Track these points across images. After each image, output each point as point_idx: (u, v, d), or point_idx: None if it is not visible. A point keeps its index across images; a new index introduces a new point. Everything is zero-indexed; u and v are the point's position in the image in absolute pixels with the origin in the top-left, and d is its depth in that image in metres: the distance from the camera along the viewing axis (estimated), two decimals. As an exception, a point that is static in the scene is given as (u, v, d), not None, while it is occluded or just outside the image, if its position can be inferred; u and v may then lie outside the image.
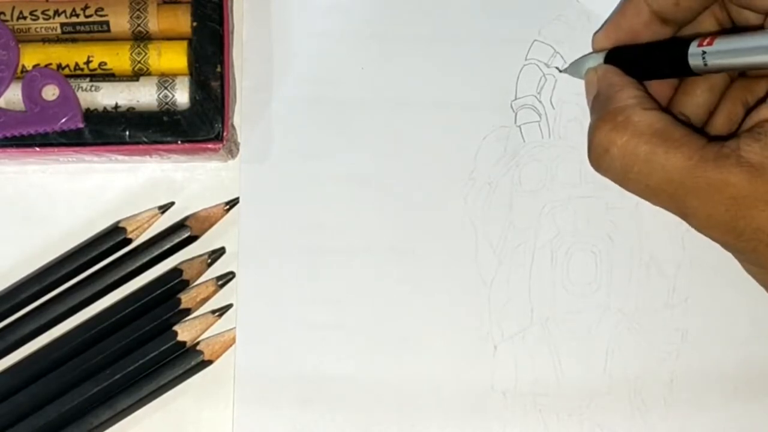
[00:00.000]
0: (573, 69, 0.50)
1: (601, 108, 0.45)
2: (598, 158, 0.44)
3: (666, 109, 0.47)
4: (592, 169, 0.47)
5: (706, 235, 0.43)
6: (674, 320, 0.51)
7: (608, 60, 0.48)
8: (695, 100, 0.48)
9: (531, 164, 0.51)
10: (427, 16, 0.52)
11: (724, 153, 0.41)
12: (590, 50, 0.50)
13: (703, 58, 0.43)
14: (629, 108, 0.44)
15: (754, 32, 0.42)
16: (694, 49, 0.43)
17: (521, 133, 0.52)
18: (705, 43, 0.43)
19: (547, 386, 0.50)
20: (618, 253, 0.51)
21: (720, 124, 0.47)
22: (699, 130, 0.47)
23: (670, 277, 0.51)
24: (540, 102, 0.52)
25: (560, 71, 0.51)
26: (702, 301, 0.51)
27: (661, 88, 0.48)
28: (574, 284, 0.51)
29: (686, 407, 0.50)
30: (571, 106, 0.51)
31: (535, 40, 0.52)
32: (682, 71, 0.44)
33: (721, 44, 0.43)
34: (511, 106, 0.52)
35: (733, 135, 0.43)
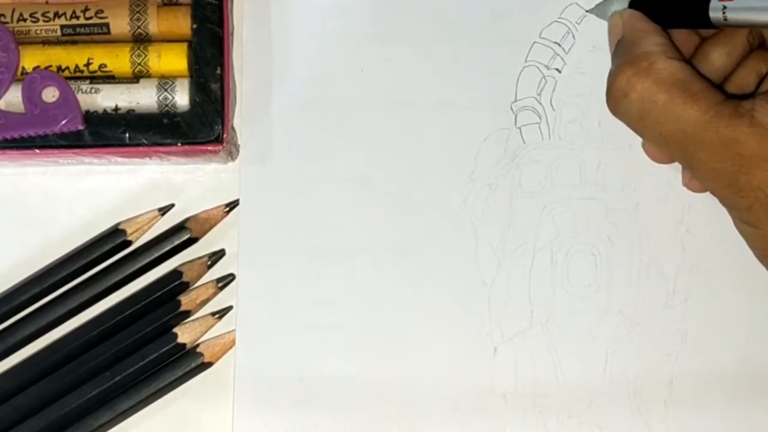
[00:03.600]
0: (599, 10, 0.50)
1: (625, 53, 0.45)
2: (617, 101, 0.45)
3: (689, 61, 0.47)
4: (591, 171, 0.47)
5: (706, 186, 0.44)
6: (674, 321, 0.51)
7: (633, 5, 0.48)
8: (713, 62, 0.48)
9: (531, 166, 0.51)
10: (427, 17, 0.52)
11: (739, 112, 0.42)
12: (593, 48, 0.50)
13: (724, 12, 0.43)
14: (653, 54, 0.44)
15: None
16: (715, 2, 0.44)
17: (521, 134, 0.52)
18: None
19: (548, 387, 0.50)
20: (618, 254, 0.51)
21: (732, 89, 0.48)
22: (719, 87, 0.47)
23: (670, 278, 0.51)
24: (540, 104, 0.52)
25: (587, 11, 0.51)
26: (702, 302, 0.51)
27: (681, 44, 0.48)
28: (574, 285, 0.51)
29: (686, 408, 0.50)
30: (571, 107, 0.51)
31: (535, 42, 0.52)
32: (703, 23, 0.45)
33: (742, 1, 0.43)
34: (511, 108, 0.52)
35: (750, 96, 0.43)
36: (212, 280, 0.50)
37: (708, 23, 0.44)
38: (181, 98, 0.48)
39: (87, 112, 0.47)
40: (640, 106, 0.44)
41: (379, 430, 0.50)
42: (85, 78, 0.48)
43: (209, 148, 0.47)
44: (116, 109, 0.48)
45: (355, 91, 0.52)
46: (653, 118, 0.44)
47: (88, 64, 0.48)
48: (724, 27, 0.45)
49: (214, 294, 0.50)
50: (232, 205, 0.51)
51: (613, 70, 0.45)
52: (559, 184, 0.51)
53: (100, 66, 0.48)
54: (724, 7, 0.43)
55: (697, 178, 0.45)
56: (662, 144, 0.45)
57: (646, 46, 0.45)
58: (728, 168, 0.42)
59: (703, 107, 0.42)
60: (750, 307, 0.50)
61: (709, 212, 0.50)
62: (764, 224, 0.43)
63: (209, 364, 0.50)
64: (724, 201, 0.44)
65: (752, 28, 0.47)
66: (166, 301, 0.50)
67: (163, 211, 0.51)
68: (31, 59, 0.48)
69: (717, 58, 0.48)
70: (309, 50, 0.52)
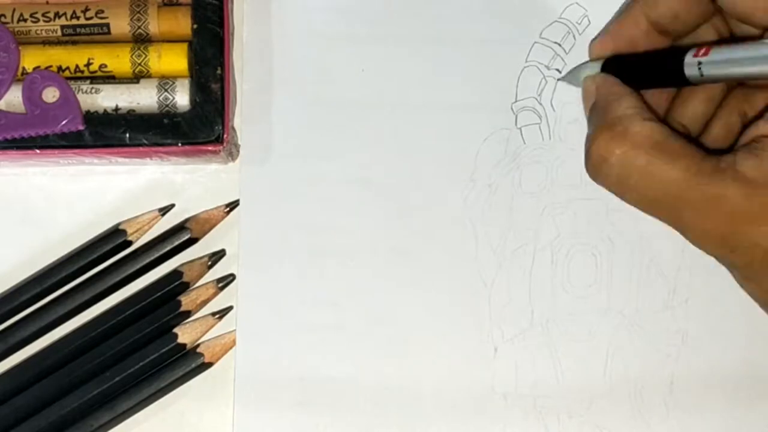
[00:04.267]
0: (571, 77, 0.50)
1: (599, 117, 0.45)
2: (596, 168, 0.44)
3: (663, 119, 0.47)
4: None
5: (700, 248, 0.43)
6: (674, 322, 0.51)
7: (605, 68, 0.47)
8: (692, 109, 0.48)
9: (531, 166, 0.51)
10: (427, 17, 0.52)
11: (721, 167, 0.41)
12: (588, 57, 0.50)
13: (699, 68, 0.43)
14: (628, 118, 0.43)
15: (750, 42, 0.42)
16: (690, 59, 0.43)
17: (522, 135, 0.52)
18: (701, 53, 0.43)
19: (548, 388, 0.50)
20: (618, 254, 0.51)
21: (717, 134, 0.47)
22: (696, 142, 0.47)
23: (671, 278, 0.51)
24: (540, 104, 0.52)
25: (558, 80, 0.51)
26: (702, 302, 0.51)
27: (658, 97, 0.48)
28: (575, 286, 0.51)
29: (687, 409, 0.50)
30: (572, 108, 0.51)
31: (536, 42, 0.52)
32: (678, 81, 0.44)
33: (717, 54, 0.42)
34: (512, 108, 0.52)
35: (730, 148, 0.43)
36: (212, 281, 0.50)
37: (684, 81, 0.44)
38: (182, 98, 0.48)
39: (87, 112, 0.47)
40: (620, 171, 0.43)
41: (379, 431, 0.50)
42: (85, 78, 0.48)
43: (210, 148, 0.47)
44: (117, 109, 0.48)
45: (356, 91, 0.52)
46: (634, 182, 0.42)
47: (88, 65, 0.48)
48: (701, 83, 0.44)
49: (215, 294, 0.50)
50: (233, 205, 0.51)
51: (590, 137, 0.44)
52: (559, 185, 0.51)
53: (101, 66, 0.48)
54: (700, 63, 0.43)
55: (690, 240, 0.43)
56: (647, 208, 0.43)
57: (620, 109, 0.44)
58: (719, 227, 0.41)
59: (684, 165, 0.41)
60: (750, 308, 0.50)
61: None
62: (766, 280, 0.42)
63: (209, 365, 0.50)
64: (721, 261, 0.43)
65: (729, 81, 0.47)
66: (167, 302, 0.50)
67: (164, 211, 0.51)
68: (31, 59, 0.48)
69: (697, 106, 0.48)
70: (309, 50, 0.52)
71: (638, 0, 0.47)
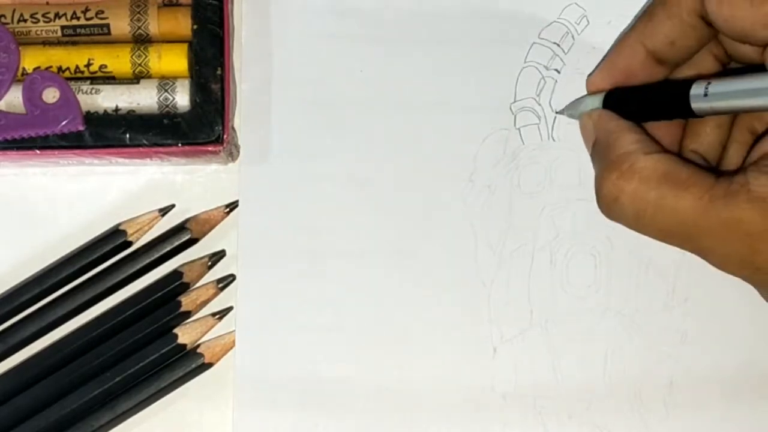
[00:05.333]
0: (570, 110, 0.50)
1: (603, 156, 0.45)
2: (609, 207, 0.44)
3: (670, 150, 0.46)
4: (591, 171, 0.47)
5: (724, 271, 0.43)
6: (674, 322, 0.51)
7: (606, 102, 0.47)
8: (705, 138, 0.47)
9: (530, 166, 0.51)
10: (426, 18, 0.52)
11: (734, 189, 0.41)
12: (592, 48, 0.50)
13: (706, 101, 0.42)
14: (632, 154, 0.43)
15: (756, 74, 0.42)
16: (695, 91, 0.43)
17: (520, 135, 0.52)
18: (706, 85, 0.42)
19: (547, 388, 0.50)
20: (617, 254, 0.51)
21: (734, 156, 0.47)
22: (707, 167, 0.47)
23: (670, 278, 0.51)
24: (539, 104, 0.52)
25: (556, 113, 0.51)
26: (701, 302, 0.51)
27: (669, 129, 0.48)
28: (574, 286, 0.51)
29: (686, 409, 0.50)
30: (571, 108, 0.51)
31: (535, 42, 0.52)
32: (684, 113, 0.44)
33: (720, 87, 0.42)
34: (511, 109, 0.52)
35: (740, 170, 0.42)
36: (213, 281, 0.50)
37: (689, 113, 0.43)
38: (182, 99, 0.48)
39: (87, 112, 0.47)
40: (634, 208, 0.43)
41: (379, 431, 0.50)
42: (85, 79, 0.48)
43: (210, 148, 0.47)
44: (117, 109, 0.48)
45: (355, 91, 0.52)
46: (650, 216, 0.43)
47: (88, 65, 0.48)
48: (708, 115, 0.44)
49: (215, 295, 0.50)
50: (233, 205, 0.51)
51: (597, 177, 0.44)
52: (558, 185, 0.51)
53: (101, 67, 0.48)
54: (705, 95, 0.42)
55: (713, 265, 0.43)
56: (666, 239, 0.43)
57: (623, 146, 0.44)
58: (740, 250, 0.41)
59: (696, 193, 0.41)
60: (750, 308, 0.50)
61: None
62: None
63: (209, 365, 0.50)
64: (746, 281, 0.43)
65: (737, 113, 0.46)
66: (167, 302, 0.50)
67: (164, 211, 0.51)
68: (31, 60, 0.48)
69: (709, 133, 0.47)
70: (309, 51, 0.52)
71: (634, 29, 0.47)
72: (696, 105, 0.43)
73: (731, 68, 0.48)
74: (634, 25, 0.47)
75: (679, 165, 0.43)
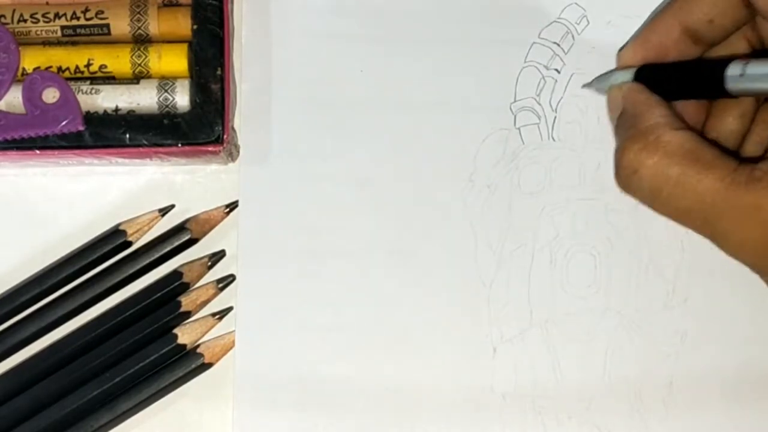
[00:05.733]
0: (597, 84, 0.50)
1: (628, 127, 0.44)
2: (627, 179, 0.43)
3: (696, 130, 0.46)
4: (591, 172, 0.47)
5: (738, 259, 0.42)
6: (674, 322, 0.51)
7: (637, 77, 0.47)
8: (726, 126, 0.47)
9: (530, 166, 0.51)
10: (426, 18, 0.52)
11: (756, 176, 0.40)
12: (592, 48, 0.50)
13: (742, 80, 0.42)
14: (659, 127, 0.42)
15: None
16: (732, 70, 0.42)
17: (520, 135, 0.52)
18: (743, 64, 0.42)
19: (547, 388, 0.50)
20: (617, 255, 0.51)
21: (752, 149, 0.47)
22: (730, 151, 0.46)
23: (670, 278, 0.51)
24: (539, 104, 0.52)
25: (583, 86, 0.51)
26: (701, 302, 0.51)
27: (692, 114, 0.47)
28: (574, 286, 0.51)
29: (686, 409, 0.50)
30: (571, 108, 0.51)
31: (535, 42, 0.52)
32: (716, 93, 0.43)
33: (759, 68, 0.42)
34: (511, 109, 0.52)
35: (763, 157, 0.42)
36: (212, 281, 0.50)
37: (722, 93, 0.43)
38: (182, 99, 0.48)
39: (87, 112, 0.47)
40: (652, 182, 0.42)
41: (379, 431, 0.50)
42: (85, 79, 0.48)
43: (209, 148, 0.47)
44: (116, 109, 0.48)
45: (355, 91, 0.52)
46: (667, 193, 0.42)
47: (88, 65, 0.48)
48: (741, 95, 0.43)
49: (215, 295, 0.50)
50: (233, 205, 0.51)
51: (619, 147, 0.43)
52: (558, 185, 0.51)
53: (101, 67, 0.48)
54: (742, 75, 0.42)
55: (727, 251, 0.42)
56: (682, 219, 0.43)
57: (651, 118, 0.43)
58: (757, 238, 0.41)
59: (718, 175, 0.41)
60: (750, 308, 0.50)
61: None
62: None
63: (209, 365, 0.50)
64: (760, 271, 0.43)
65: None
66: (167, 302, 0.50)
67: (164, 211, 0.51)
68: (31, 60, 0.48)
69: (731, 122, 0.47)
70: (309, 51, 0.52)
71: (671, 6, 0.46)
72: (732, 85, 0.42)
73: (765, 50, 0.47)
74: (669, 2, 0.47)
75: (705, 145, 0.42)
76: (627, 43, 0.49)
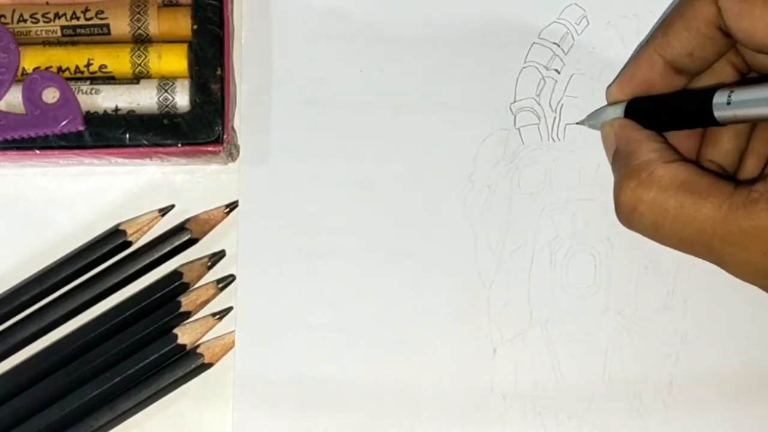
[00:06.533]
0: (591, 120, 0.50)
1: (623, 165, 0.44)
2: (628, 216, 0.44)
3: (689, 159, 0.46)
4: (591, 172, 0.47)
5: (745, 281, 0.43)
6: (673, 322, 0.51)
7: (628, 111, 0.47)
8: (723, 147, 0.47)
9: (530, 167, 0.51)
10: (426, 18, 0.52)
11: (753, 198, 0.41)
12: (592, 48, 0.50)
13: (728, 109, 0.42)
14: (652, 163, 0.43)
15: None
16: (718, 100, 0.43)
17: (520, 135, 0.52)
18: (729, 93, 0.42)
19: (547, 388, 0.50)
20: (617, 255, 0.51)
21: (751, 167, 0.47)
22: (726, 176, 0.46)
23: (669, 278, 0.51)
24: (539, 104, 0.52)
25: (577, 123, 0.51)
26: (701, 302, 0.51)
27: (687, 138, 0.47)
28: (574, 286, 0.51)
29: (686, 409, 0.50)
30: (571, 108, 0.51)
31: (535, 43, 0.52)
32: (706, 122, 0.44)
33: (744, 95, 0.42)
34: (510, 109, 0.52)
35: (759, 177, 0.42)
36: (212, 281, 0.50)
37: (712, 121, 0.43)
38: (182, 99, 0.48)
39: (87, 112, 0.47)
40: (653, 217, 0.43)
41: (379, 431, 0.50)
42: (85, 79, 0.48)
43: (209, 148, 0.47)
44: (116, 109, 0.48)
45: (355, 92, 0.52)
46: (669, 226, 0.42)
47: (88, 65, 0.48)
48: (730, 123, 0.44)
49: (215, 295, 0.50)
50: (232, 205, 0.51)
51: (616, 186, 0.44)
52: (558, 185, 0.51)
53: (101, 67, 0.48)
54: (728, 104, 0.42)
55: (733, 274, 0.43)
56: (685, 248, 0.43)
57: (643, 155, 0.44)
58: (760, 259, 0.41)
59: (715, 202, 0.41)
60: (750, 308, 0.50)
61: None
62: None
63: (209, 365, 0.50)
64: (766, 290, 0.43)
65: (759, 122, 0.46)
66: (167, 302, 0.50)
67: (164, 211, 0.51)
68: (31, 60, 0.48)
69: (727, 143, 0.47)
70: (308, 51, 0.52)
71: (652, 40, 0.47)
72: (719, 113, 0.43)
73: (750, 77, 0.47)
74: (651, 36, 0.47)
75: (699, 174, 0.43)
76: (614, 80, 0.49)
